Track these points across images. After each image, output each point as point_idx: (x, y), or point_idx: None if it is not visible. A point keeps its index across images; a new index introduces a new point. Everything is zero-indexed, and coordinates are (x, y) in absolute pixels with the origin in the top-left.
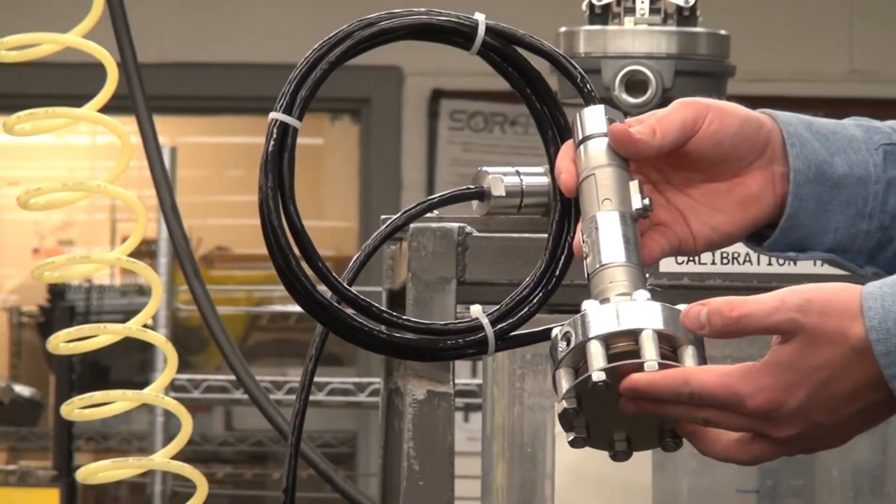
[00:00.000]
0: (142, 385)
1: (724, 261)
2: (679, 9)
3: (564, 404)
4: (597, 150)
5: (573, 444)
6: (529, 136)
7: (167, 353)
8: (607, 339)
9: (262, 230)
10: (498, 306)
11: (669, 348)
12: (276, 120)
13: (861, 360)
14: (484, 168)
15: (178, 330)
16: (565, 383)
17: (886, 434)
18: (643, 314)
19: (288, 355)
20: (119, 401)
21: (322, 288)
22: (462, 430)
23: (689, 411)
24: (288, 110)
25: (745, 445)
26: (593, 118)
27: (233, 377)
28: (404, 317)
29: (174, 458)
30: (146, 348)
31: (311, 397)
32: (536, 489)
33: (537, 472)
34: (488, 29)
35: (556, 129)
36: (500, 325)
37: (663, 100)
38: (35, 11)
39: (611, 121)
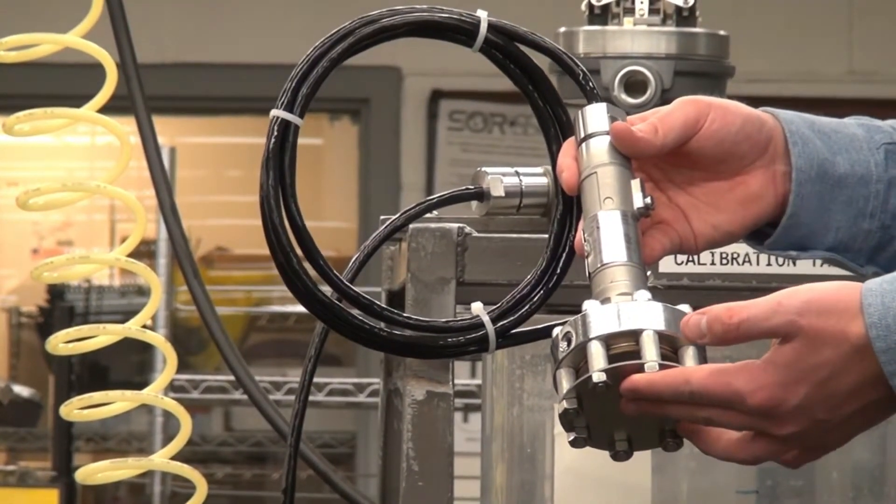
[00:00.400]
0: (141, 385)
1: (724, 261)
2: (678, 9)
3: (565, 404)
4: (599, 149)
5: (574, 444)
6: (528, 136)
7: (166, 354)
8: (608, 340)
9: (263, 227)
10: (499, 304)
11: (670, 349)
12: (278, 117)
13: (861, 357)
14: (483, 168)
15: (177, 330)
16: (566, 383)
17: (886, 434)
18: (644, 314)
19: (287, 356)
20: (118, 401)
21: (323, 286)
22: (461, 430)
23: (690, 411)
24: (289, 108)
25: (746, 444)
26: (595, 116)
27: (232, 378)
28: (405, 314)
29: (173, 458)
30: (145, 349)
31: (311, 398)
32: (536, 490)
33: (537, 472)
34: (490, 26)
35: (558, 127)
36: (500, 323)
37: (662, 100)
38: (34, 11)
39: (613, 119)
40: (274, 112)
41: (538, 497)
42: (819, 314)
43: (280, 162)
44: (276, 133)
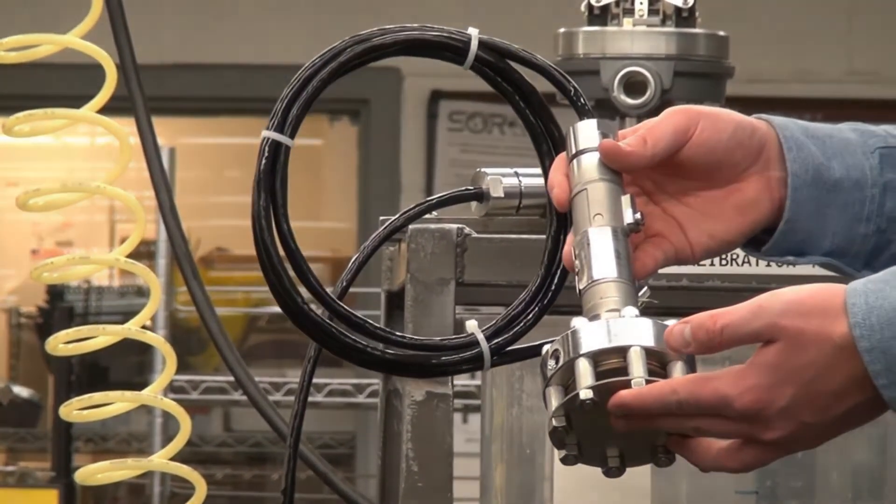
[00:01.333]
0: (140, 386)
1: (723, 262)
2: (678, 10)
3: (554, 422)
4: (589, 165)
5: (564, 461)
6: (528, 137)
7: (166, 355)
8: (595, 357)
9: (255, 247)
10: (493, 322)
11: (658, 364)
12: (269, 138)
13: (846, 357)
14: (483, 169)
15: (176, 331)
16: (554, 401)
17: (886, 435)
18: (631, 331)
19: (286, 356)
20: (118, 402)
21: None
22: (461, 431)
23: (678, 422)
24: (280, 128)
25: (735, 453)
26: (586, 132)
27: (231, 378)
28: (398, 333)
29: (173, 459)
30: (145, 349)
31: (310, 398)
32: (535, 491)
33: (536, 473)
34: (481, 43)
35: (550, 143)
36: (495, 341)
37: (662, 101)
38: (34, 12)
39: (604, 135)
40: (265, 133)
41: (538, 498)
42: (800, 315)
43: (271, 183)
44: (266, 154)
